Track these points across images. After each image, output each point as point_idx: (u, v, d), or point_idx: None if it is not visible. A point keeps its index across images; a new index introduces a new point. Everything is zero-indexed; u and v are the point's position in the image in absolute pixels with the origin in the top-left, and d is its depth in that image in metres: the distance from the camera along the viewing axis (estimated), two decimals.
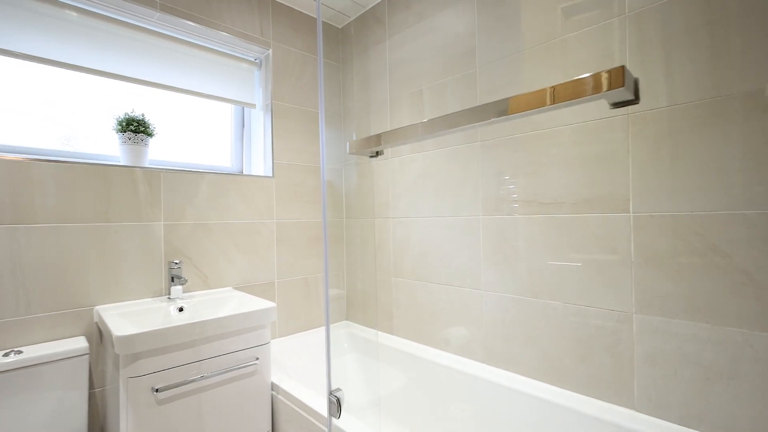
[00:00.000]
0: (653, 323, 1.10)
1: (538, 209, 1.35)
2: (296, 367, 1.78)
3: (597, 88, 0.51)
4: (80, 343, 1.27)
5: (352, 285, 2.17)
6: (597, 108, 1.21)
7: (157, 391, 1.12)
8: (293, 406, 1.31)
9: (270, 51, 1.94)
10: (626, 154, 1.15)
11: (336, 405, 0.93)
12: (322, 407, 1.21)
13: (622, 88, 0.50)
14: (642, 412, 1.12)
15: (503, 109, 0.61)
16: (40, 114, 1.44)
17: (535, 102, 0.58)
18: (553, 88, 0.56)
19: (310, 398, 1.27)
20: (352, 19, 2.14)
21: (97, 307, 1.38)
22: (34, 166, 1.30)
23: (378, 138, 0.81)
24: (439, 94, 1.68)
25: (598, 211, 1.21)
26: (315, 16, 2.11)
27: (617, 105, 0.56)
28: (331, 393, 0.93)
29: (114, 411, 1.20)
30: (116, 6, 1.52)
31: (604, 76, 0.51)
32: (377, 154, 0.88)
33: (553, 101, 0.56)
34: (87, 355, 1.25)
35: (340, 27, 2.24)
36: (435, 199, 1.70)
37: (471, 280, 1.56)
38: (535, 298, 1.36)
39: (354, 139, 2.06)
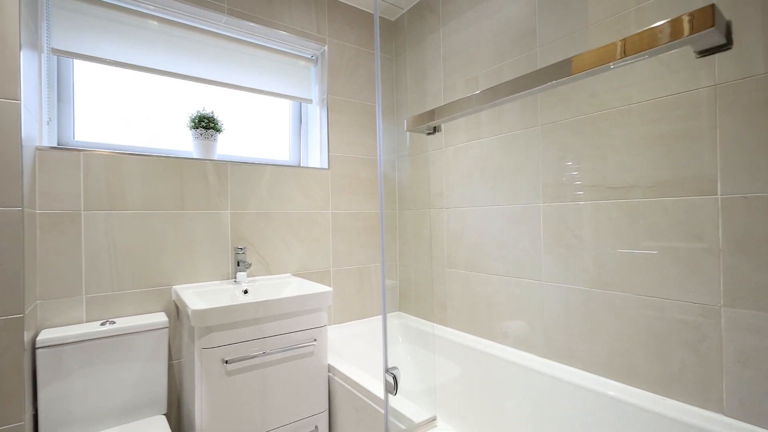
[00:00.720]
0: (745, 318, 0.98)
1: (606, 194, 1.26)
2: (350, 353, 1.82)
3: (677, 34, 0.45)
4: (161, 317, 1.40)
5: (405, 276, 2.17)
6: (677, 81, 1.10)
7: (226, 362, 1.21)
8: (349, 387, 1.34)
9: (326, 47, 2.00)
10: (713, 130, 1.04)
11: (393, 382, 0.94)
12: (377, 389, 1.22)
13: (712, 29, 0.44)
14: (732, 417, 1.00)
15: (566, 69, 0.57)
16: (127, 113, 1.62)
17: (603, 57, 0.53)
18: (624, 40, 0.51)
19: (366, 380, 1.30)
20: (405, 10, 2.15)
21: (174, 287, 1.52)
22: (124, 159, 1.46)
23: (432, 113, 0.80)
24: (496, 80, 1.63)
25: (679, 194, 1.10)
26: (368, 11, 2.14)
27: (705, 53, 0.49)
28: (387, 371, 0.94)
29: (189, 381, 1.31)
30: (189, 13, 1.66)
31: (686, 20, 0.45)
32: (434, 130, 0.87)
33: (624, 54, 0.51)
34: (167, 329, 1.38)
35: (392, 20, 2.25)
36: (491, 187, 1.65)
37: (530, 271, 1.49)
38: (603, 289, 1.27)
39: (408, 134, 2.06)
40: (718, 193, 1.03)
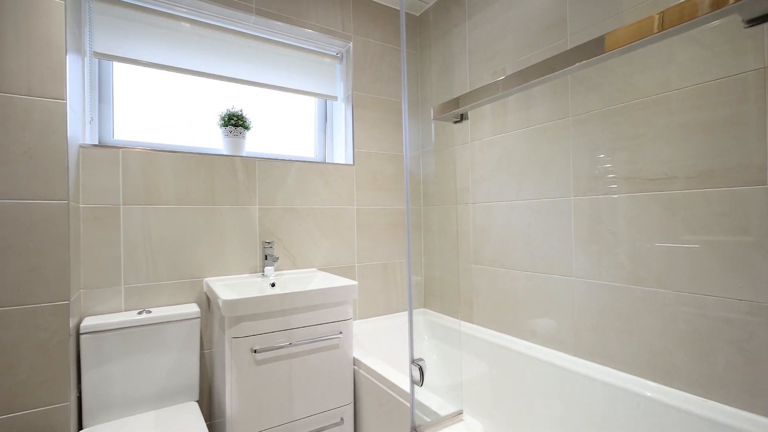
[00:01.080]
0: None
1: (642, 186, 1.20)
2: (375, 347, 1.83)
3: (722, 2, 0.42)
4: (194, 308, 1.45)
5: (430, 273, 2.16)
6: (720, 64, 1.03)
7: (255, 351, 1.24)
8: (374, 380, 1.35)
9: (350, 44, 2.01)
10: (761, 115, 0.97)
11: (419, 373, 0.93)
12: (402, 382, 1.22)
13: None
14: None
15: (598, 47, 0.53)
16: (161, 112, 1.69)
17: (638, 33, 0.49)
18: (662, 13, 0.47)
19: (391, 374, 1.30)
20: (430, 5, 2.13)
21: (205, 279, 1.57)
22: (159, 156, 1.52)
23: (457, 101, 0.78)
24: None
25: (722, 184, 1.04)
26: (393, 7, 2.14)
27: (754, 21, 0.45)
28: (413, 362, 0.94)
29: (220, 369, 1.36)
30: (219, 14, 1.71)
31: None
32: (461, 118, 0.86)
33: (662, 28, 0.48)
34: (198, 319, 1.42)
35: (417, 15, 2.24)
36: (518, 182, 1.61)
37: (560, 267, 1.45)
38: (638, 285, 1.21)
39: (433, 129, 2.05)
40: None
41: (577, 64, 0.58)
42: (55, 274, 1.16)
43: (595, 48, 0.54)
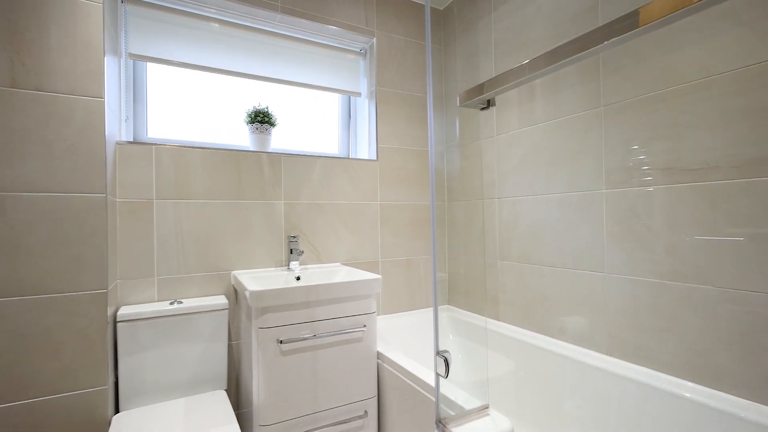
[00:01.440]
0: None
1: (681, 177, 1.14)
2: (398, 342, 1.82)
3: None
4: (222, 300, 1.49)
5: (455, 269, 2.13)
6: (765, 46, 0.97)
7: (281, 342, 1.26)
8: (399, 374, 1.34)
9: (374, 40, 2.02)
10: None
11: (444, 364, 0.92)
12: (426, 376, 1.21)
13: None
14: None
15: (632, 21, 0.50)
16: (190, 110, 1.74)
17: (674, 4, 0.46)
18: None
19: (415, 367, 1.29)
20: None
21: (233, 272, 1.61)
22: (189, 153, 1.57)
23: (482, 87, 0.76)
24: None
25: None
26: (417, 1, 2.13)
27: None
28: (439, 353, 0.92)
29: (247, 360, 1.39)
30: (247, 13, 1.75)
31: None
32: (488, 104, 0.84)
33: None
34: (227, 310, 1.46)
35: (441, 9, 2.22)
36: (547, 175, 1.57)
37: (592, 262, 1.39)
38: (677, 281, 1.15)
39: (458, 124, 2.02)
40: None
41: (609, 41, 0.55)
42: (95, 264, 1.22)
43: (628, 22, 0.51)
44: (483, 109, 0.88)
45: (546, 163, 1.57)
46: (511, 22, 1.73)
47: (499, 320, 1.80)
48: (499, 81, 0.75)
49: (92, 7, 1.23)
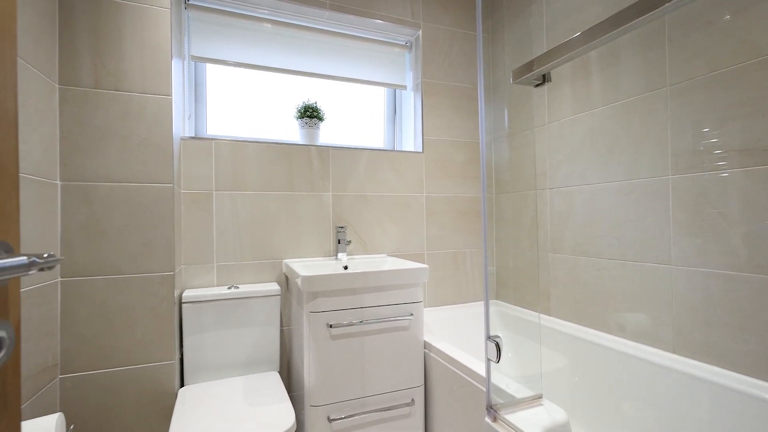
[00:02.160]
0: None
1: (761, 159, 1.03)
2: (445, 333, 1.81)
3: None
4: (275, 286, 1.56)
5: (503, 263, 2.08)
6: None
7: (330, 326, 1.30)
8: (446, 363, 1.33)
9: (420, 32, 2.01)
10: None
11: (496, 348, 0.90)
12: (475, 365, 1.19)
13: None
14: None
15: None
16: (245, 106, 1.84)
17: None
18: None
19: (463, 357, 1.27)
20: None
21: (285, 260, 1.68)
22: (244, 147, 1.66)
23: (532, 63, 0.73)
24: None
25: None
26: None
27: None
28: (489, 338, 0.91)
29: (298, 344, 1.44)
30: (297, 12, 1.81)
31: None
32: (543, 80, 0.81)
33: None
34: (279, 296, 1.53)
35: None
36: (604, 162, 1.48)
37: (656, 254, 1.30)
38: (757, 273, 1.04)
39: (506, 114, 1.97)
40: None
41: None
42: (163, 249, 1.33)
43: None
44: (538, 85, 0.85)
45: (603, 149, 1.48)
46: (565, 3, 1.65)
47: (550, 315, 1.73)
48: (555, 53, 0.72)
49: (161, 13, 1.34)
